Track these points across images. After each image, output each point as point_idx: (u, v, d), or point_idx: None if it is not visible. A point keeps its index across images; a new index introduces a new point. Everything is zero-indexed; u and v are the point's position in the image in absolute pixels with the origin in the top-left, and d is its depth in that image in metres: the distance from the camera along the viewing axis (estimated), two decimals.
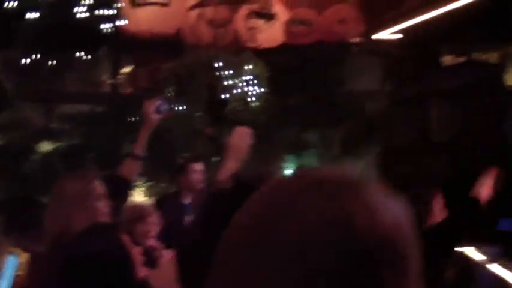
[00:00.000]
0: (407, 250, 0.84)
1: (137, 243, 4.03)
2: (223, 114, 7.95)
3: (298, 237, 0.81)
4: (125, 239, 2.60)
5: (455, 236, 4.49)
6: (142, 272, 2.55)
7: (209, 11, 8.34)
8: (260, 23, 8.42)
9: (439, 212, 4.52)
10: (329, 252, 0.80)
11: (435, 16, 7.58)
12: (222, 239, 0.87)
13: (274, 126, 8.10)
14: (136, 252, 2.61)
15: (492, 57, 8.96)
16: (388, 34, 8.47)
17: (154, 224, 4.58)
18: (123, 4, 8.07)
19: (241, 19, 8.45)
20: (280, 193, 0.87)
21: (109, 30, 7.96)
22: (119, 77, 8.66)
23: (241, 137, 2.42)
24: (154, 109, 3.68)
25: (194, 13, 8.37)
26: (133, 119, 7.76)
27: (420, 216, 4.42)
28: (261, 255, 0.82)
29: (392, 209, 0.85)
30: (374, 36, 8.54)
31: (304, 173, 0.93)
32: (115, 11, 8.02)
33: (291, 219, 0.82)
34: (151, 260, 4.00)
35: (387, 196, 0.87)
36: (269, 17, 8.43)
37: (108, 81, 8.70)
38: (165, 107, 3.76)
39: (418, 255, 0.86)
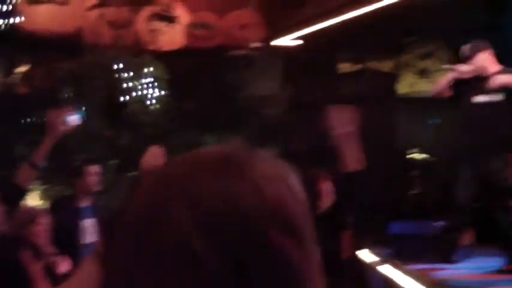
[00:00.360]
0: (301, 222, 0.80)
1: (30, 245, 3.94)
2: (121, 117, 7.86)
3: (186, 221, 0.76)
4: (25, 254, 2.53)
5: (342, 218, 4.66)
6: (42, 287, 2.50)
7: (110, 12, 8.22)
8: (161, 25, 8.39)
9: (327, 194, 4.67)
10: (219, 235, 0.75)
11: (333, 24, 7.81)
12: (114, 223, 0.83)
13: (174, 129, 8.08)
14: (37, 268, 2.56)
15: (386, 65, 9.31)
16: (287, 40, 8.63)
17: (44, 225, 4.50)
18: (19, 0, 7.84)
19: (142, 21, 8.39)
20: (166, 176, 0.82)
21: (3, 27, 7.71)
22: (14, 76, 8.40)
23: (154, 156, 2.44)
24: (61, 121, 3.57)
25: (94, 13, 8.23)
26: (28, 120, 7.54)
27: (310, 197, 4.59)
28: (148, 243, 0.77)
29: (283, 183, 0.82)
30: (274, 42, 8.68)
31: (188, 155, 0.86)
32: (10, 7, 7.78)
33: (177, 205, 0.77)
34: (52, 275, 3.92)
35: (277, 168, 0.83)
36: (170, 19, 8.41)
37: (2, 81, 8.42)
38: (72, 118, 3.65)
39: (311, 225, 0.82)
